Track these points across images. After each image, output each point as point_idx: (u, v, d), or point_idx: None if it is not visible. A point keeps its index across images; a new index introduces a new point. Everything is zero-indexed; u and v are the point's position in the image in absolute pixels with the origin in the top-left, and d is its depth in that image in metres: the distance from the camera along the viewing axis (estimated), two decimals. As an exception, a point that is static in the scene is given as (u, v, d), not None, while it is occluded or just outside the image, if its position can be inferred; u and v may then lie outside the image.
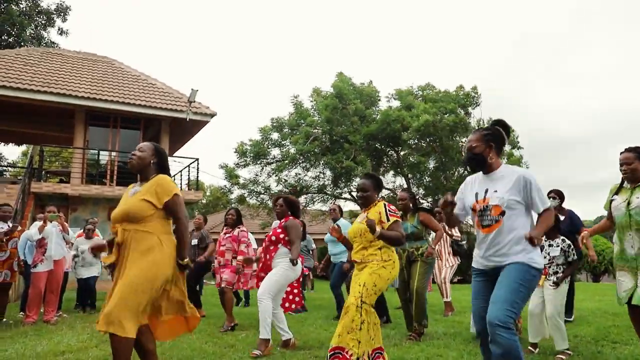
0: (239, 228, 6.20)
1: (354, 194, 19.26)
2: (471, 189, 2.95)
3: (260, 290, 4.54)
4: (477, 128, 3.25)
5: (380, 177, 19.68)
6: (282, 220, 4.84)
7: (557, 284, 4.04)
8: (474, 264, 2.92)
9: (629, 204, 3.39)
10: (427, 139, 17.54)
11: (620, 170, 3.51)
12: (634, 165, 3.42)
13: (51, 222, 6.62)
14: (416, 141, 17.73)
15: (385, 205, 3.73)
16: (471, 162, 2.93)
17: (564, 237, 4.18)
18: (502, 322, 2.49)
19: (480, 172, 2.94)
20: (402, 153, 18.55)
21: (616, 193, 3.58)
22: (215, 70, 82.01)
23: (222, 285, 5.98)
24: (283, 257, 4.63)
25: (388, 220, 3.64)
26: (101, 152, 14.43)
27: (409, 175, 19.12)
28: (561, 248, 4.12)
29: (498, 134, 2.93)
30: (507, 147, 18.63)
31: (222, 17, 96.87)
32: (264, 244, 4.81)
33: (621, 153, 3.51)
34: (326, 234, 6.27)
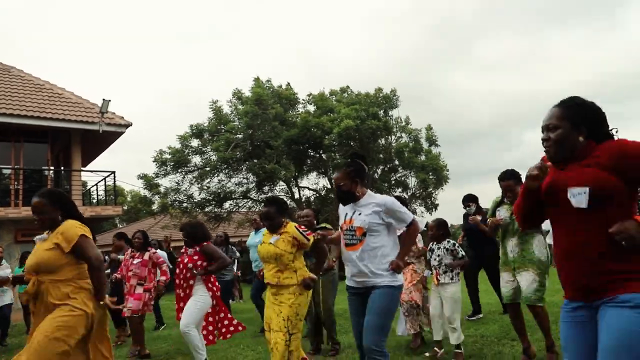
0: (149, 251, 6.05)
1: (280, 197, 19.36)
2: (342, 212, 3.37)
3: (183, 322, 4.50)
4: (342, 164, 3.56)
5: (299, 180, 19.64)
6: (194, 248, 4.80)
7: (452, 278, 4.47)
8: (348, 283, 3.31)
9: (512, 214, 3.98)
10: (349, 142, 17.98)
11: (505, 195, 4.21)
12: (515, 190, 4.00)
13: None
14: (337, 145, 18.11)
15: (296, 227, 3.77)
16: (342, 199, 3.35)
17: (449, 239, 4.63)
18: (377, 346, 2.97)
19: None
20: (324, 155, 18.87)
21: (498, 205, 4.30)
22: (129, 78, 78.19)
23: (128, 315, 5.80)
24: (201, 283, 4.63)
25: (308, 240, 3.72)
26: (4, 170, 13.38)
27: (333, 176, 19.51)
28: (446, 248, 4.56)
29: (360, 168, 3.31)
30: (425, 145, 19.59)
31: (134, 22, 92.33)
32: (180, 273, 4.74)
33: (502, 180, 4.11)
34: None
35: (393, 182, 19.73)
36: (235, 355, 5.50)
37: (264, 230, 3.96)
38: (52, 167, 14.47)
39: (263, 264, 3.90)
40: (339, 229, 3.39)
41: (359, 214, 3.19)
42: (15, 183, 13.37)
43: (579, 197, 1.82)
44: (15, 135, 13.36)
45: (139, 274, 5.86)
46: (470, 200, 6.30)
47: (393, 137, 19.37)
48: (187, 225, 5.06)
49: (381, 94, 18.78)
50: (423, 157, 19.13)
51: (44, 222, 3.11)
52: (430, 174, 18.71)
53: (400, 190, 19.86)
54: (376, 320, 3.02)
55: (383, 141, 19.16)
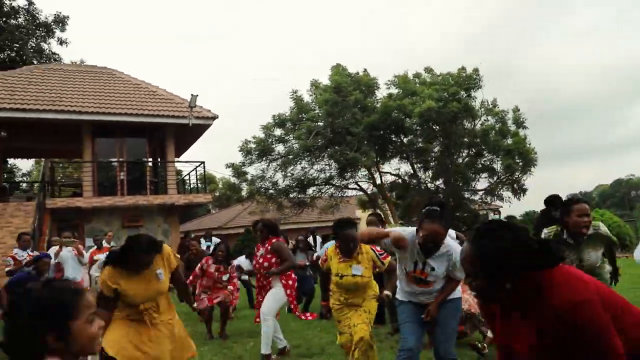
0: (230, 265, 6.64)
1: (361, 184, 19.50)
2: (411, 255, 3.17)
3: (264, 309, 4.83)
4: (434, 212, 3.07)
5: (381, 165, 19.48)
6: (266, 245, 5.04)
7: None
8: (404, 297, 3.33)
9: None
10: (430, 124, 17.59)
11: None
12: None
13: (67, 247, 6.99)
14: (419, 128, 17.78)
15: (372, 249, 3.82)
16: (429, 250, 3.09)
17: None
18: (451, 354, 3.23)
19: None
20: (405, 140, 18.64)
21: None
22: (215, 72, 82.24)
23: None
24: (277, 279, 4.94)
25: (383, 264, 3.85)
26: (112, 163, 14.87)
27: (415, 161, 19.22)
28: None
29: (448, 215, 3.30)
30: (512, 127, 18.61)
31: (213, 20, 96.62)
32: (257, 273, 5.12)
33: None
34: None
35: (480, 167, 19.01)
36: (312, 336, 5.80)
37: (329, 246, 4.09)
38: (150, 159, 15.80)
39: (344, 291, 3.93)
40: (401, 270, 3.31)
41: (433, 270, 3.14)
42: (121, 174, 14.81)
43: None
44: (119, 131, 14.77)
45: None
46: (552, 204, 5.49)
47: (477, 119, 18.60)
48: (264, 218, 5.39)
49: (464, 73, 18.07)
50: (509, 141, 18.18)
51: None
52: (516, 157, 17.77)
53: (486, 175, 19.11)
54: (449, 330, 3.22)
55: (467, 124, 18.49)
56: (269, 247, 4.98)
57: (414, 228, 3.13)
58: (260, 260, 5.01)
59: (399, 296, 3.38)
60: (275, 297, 4.89)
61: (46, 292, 1.35)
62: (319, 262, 4.25)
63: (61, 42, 23.93)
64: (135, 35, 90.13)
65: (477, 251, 1.57)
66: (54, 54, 23.96)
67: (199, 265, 6.53)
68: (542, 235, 3.66)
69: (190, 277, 6.54)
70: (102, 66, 17.28)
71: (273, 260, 4.93)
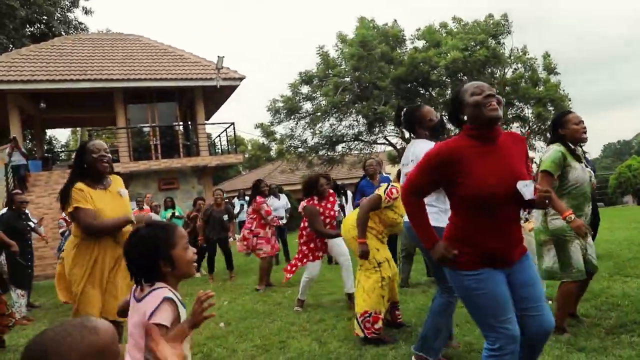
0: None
1: (390, 138, 19.42)
2: None
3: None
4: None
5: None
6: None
7: None
8: None
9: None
10: (458, 76, 17.22)
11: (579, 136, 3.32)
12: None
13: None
14: (447, 79, 17.44)
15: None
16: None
17: None
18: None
19: None
20: (433, 92, 18.35)
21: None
22: (240, 31, 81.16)
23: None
24: None
25: None
26: (144, 129, 15.27)
27: (444, 113, 18.99)
28: None
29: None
30: (543, 74, 18.02)
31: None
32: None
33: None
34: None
35: (510, 117, 18.62)
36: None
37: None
38: (181, 123, 16.13)
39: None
40: None
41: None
42: (154, 139, 15.22)
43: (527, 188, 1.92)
44: (149, 97, 15.08)
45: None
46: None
47: (507, 67, 18.06)
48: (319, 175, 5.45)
49: (492, 20, 17.46)
50: (541, 88, 17.65)
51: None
52: (548, 105, 17.28)
53: (517, 125, 18.73)
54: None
55: (497, 72, 18.01)
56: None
57: None
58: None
59: None
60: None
61: (151, 232, 1.67)
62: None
63: (86, 11, 24.18)
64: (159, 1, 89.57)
65: None
66: (80, 23, 24.31)
67: (254, 209, 6.77)
68: (552, 152, 3.26)
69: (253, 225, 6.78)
70: (129, 33, 17.47)
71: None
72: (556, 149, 3.26)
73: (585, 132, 3.31)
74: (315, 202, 5.05)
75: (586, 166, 3.35)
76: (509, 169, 1.98)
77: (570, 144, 3.29)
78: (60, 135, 32.05)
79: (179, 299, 1.66)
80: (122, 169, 13.80)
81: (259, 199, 6.83)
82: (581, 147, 3.41)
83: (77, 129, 24.27)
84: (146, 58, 15.43)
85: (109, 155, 3.00)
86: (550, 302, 3.80)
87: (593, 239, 5.90)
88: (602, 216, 6.18)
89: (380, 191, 3.73)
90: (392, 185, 3.73)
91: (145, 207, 10.29)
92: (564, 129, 3.31)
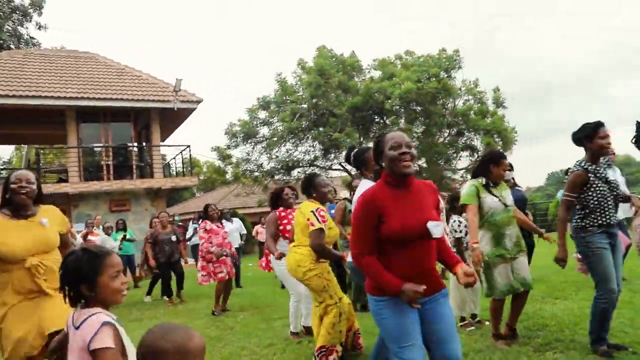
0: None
1: (345, 165, 19.81)
2: None
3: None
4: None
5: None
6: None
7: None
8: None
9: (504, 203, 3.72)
10: (411, 106, 17.95)
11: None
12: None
13: None
14: (401, 109, 18.13)
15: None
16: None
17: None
18: None
19: None
20: (387, 121, 18.99)
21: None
22: (198, 55, 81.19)
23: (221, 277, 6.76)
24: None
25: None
26: (96, 148, 14.94)
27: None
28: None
29: None
30: (490, 106, 19.06)
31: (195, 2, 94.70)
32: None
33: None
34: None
35: (461, 146, 19.48)
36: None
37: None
38: (135, 144, 15.90)
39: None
40: None
41: None
42: (106, 159, 14.91)
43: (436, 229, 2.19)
44: (104, 116, 14.82)
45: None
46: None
47: (458, 99, 19.01)
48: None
49: (444, 55, 18.41)
50: (489, 120, 18.67)
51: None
52: (495, 136, 18.27)
53: (467, 154, 19.62)
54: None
55: (450, 104, 18.88)
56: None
57: None
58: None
59: None
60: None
61: (79, 256, 1.74)
62: None
63: (39, 26, 23.61)
64: (116, 21, 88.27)
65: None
66: (32, 38, 23.66)
67: (200, 229, 6.89)
68: (466, 187, 3.84)
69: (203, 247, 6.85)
70: (84, 51, 17.17)
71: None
72: (470, 183, 3.80)
73: (507, 172, 3.97)
74: (282, 214, 5.04)
75: (498, 198, 3.72)
76: (420, 211, 2.21)
77: (488, 180, 3.75)
78: (3, 152, 30.66)
79: (115, 319, 1.71)
80: (72, 189, 13.42)
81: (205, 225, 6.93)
82: (513, 179, 3.90)
83: (23, 145, 23.37)
84: (101, 77, 15.20)
85: (31, 186, 2.91)
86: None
87: (529, 260, 6.38)
88: (540, 242, 6.60)
89: (317, 224, 3.67)
90: (316, 210, 3.74)
91: (96, 230, 10.06)
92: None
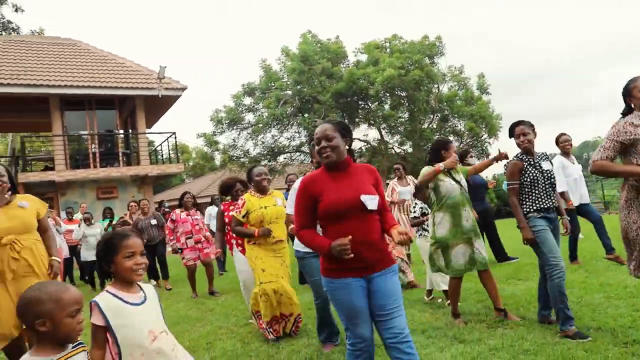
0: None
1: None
2: None
3: None
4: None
5: (351, 128, 20.67)
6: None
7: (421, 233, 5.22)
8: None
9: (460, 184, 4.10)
10: (395, 92, 18.17)
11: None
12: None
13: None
14: (385, 95, 18.34)
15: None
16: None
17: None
18: None
19: None
20: (372, 106, 19.19)
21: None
22: (183, 41, 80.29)
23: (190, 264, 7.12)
24: None
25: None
26: (82, 136, 14.98)
27: (383, 126, 19.85)
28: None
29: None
30: (475, 92, 19.32)
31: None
32: None
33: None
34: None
35: (448, 130, 19.78)
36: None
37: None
38: (121, 131, 15.96)
39: (269, 224, 4.29)
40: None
41: None
42: (92, 146, 14.96)
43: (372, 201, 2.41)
44: (88, 104, 14.84)
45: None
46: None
47: (442, 85, 19.25)
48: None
49: (427, 41, 18.58)
50: (474, 106, 18.95)
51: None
52: (480, 122, 18.58)
53: (454, 139, 19.94)
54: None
55: (434, 90, 19.12)
56: None
57: None
58: None
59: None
60: None
61: (106, 236, 2.06)
62: None
63: (16, 8, 23.14)
64: (98, 8, 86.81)
65: (340, 122, 2.63)
66: (10, 22, 23.26)
67: (167, 217, 7.24)
68: (423, 170, 4.20)
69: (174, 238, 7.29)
70: (66, 37, 17.07)
71: None
72: (426, 167, 4.15)
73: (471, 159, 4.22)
74: (230, 207, 5.28)
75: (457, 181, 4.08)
76: (355, 188, 2.44)
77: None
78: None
79: (118, 296, 1.96)
80: (58, 177, 13.50)
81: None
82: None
83: (9, 134, 23.23)
84: (85, 64, 15.17)
85: (2, 178, 3.13)
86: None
87: (491, 243, 6.77)
88: (510, 225, 6.92)
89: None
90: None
91: (76, 217, 10.21)
92: (446, 153, 4.15)
